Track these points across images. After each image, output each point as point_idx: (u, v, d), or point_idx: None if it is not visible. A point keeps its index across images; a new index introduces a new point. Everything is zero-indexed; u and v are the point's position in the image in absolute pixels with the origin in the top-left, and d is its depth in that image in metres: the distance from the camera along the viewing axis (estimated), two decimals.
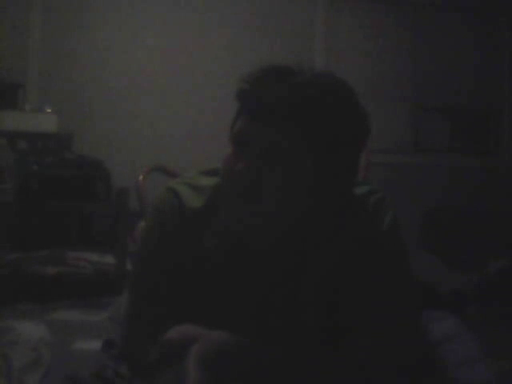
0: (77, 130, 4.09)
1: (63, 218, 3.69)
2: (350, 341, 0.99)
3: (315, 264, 1.02)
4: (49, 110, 3.92)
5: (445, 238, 4.45)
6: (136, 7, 4.47)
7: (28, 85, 4.20)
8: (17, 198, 3.65)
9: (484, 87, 5.13)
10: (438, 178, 4.80)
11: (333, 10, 4.84)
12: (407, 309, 1.01)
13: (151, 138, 4.38)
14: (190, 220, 1.05)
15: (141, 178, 2.57)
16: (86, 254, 3.33)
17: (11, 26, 4.23)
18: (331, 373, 0.96)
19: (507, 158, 5.12)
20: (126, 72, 4.41)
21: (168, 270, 1.05)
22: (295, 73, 0.96)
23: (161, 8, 4.50)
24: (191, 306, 1.04)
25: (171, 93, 4.45)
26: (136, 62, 4.43)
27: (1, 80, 3.97)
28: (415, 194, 4.63)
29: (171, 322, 1.01)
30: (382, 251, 1.01)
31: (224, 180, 1.00)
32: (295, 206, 0.98)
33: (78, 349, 2.16)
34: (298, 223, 1.00)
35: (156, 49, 4.46)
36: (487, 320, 2.74)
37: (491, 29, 5.15)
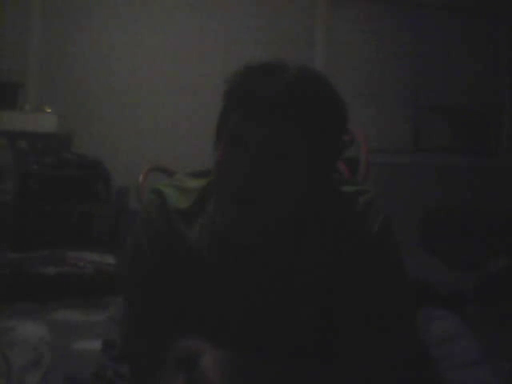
0: (77, 130, 4.09)
1: (63, 218, 3.68)
2: (344, 345, 0.99)
3: (307, 264, 1.02)
4: (49, 110, 3.91)
5: (445, 237, 4.44)
6: (136, 8, 4.47)
7: (28, 85, 4.20)
8: (17, 198, 3.65)
9: (484, 87, 5.13)
10: (438, 178, 4.80)
11: (333, 10, 4.84)
12: (402, 311, 1.01)
13: (151, 138, 4.38)
14: (176, 220, 1.05)
15: (141, 178, 2.57)
16: (86, 253, 3.33)
17: (11, 26, 4.23)
18: (329, 380, 0.96)
19: (507, 158, 5.11)
20: (126, 72, 4.40)
21: (156, 270, 1.05)
22: (280, 68, 0.95)
23: (161, 9, 4.50)
24: (183, 305, 1.04)
25: (171, 93, 4.45)
26: (136, 62, 4.43)
27: (1, 80, 3.97)
28: (415, 194, 4.62)
29: (165, 321, 1.03)
30: (374, 253, 1.00)
31: (217, 180, 0.99)
32: (291, 205, 0.97)
33: (78, 349, 2.16)
34: (291, 221, 1.00)
35: (156, 49, 4.46)
36: (487, 320, 2.74)
37: (491, 29, 5.15)
